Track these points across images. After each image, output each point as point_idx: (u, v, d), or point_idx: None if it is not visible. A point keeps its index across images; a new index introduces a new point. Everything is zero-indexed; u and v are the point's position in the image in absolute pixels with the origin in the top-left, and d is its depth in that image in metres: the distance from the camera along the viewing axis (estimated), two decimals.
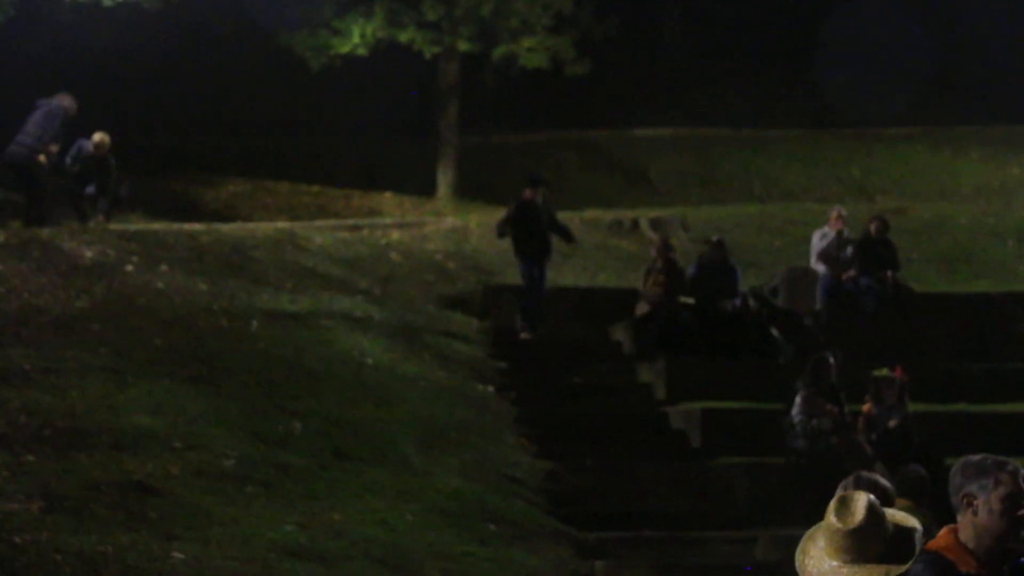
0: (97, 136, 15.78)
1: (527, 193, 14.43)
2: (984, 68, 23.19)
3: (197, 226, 16.39)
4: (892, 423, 11.94)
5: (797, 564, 3.91)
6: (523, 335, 14.27)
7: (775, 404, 12.38)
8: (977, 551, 4.60)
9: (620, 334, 14.49)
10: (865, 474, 5.17)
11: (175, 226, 16.30)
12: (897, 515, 3.92)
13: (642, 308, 14.09)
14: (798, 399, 11.99)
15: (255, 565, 9.42)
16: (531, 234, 14.19)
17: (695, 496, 11.75)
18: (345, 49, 21.10)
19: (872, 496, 3.88)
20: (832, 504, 3.85)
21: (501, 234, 14.43)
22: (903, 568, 3.80)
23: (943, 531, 4.70)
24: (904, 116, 23.67)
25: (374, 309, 14.33)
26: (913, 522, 3.92)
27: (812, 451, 11.80)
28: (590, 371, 13.72)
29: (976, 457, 4.73)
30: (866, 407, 12.15)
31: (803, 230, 16.75)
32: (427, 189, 21.55)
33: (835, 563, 3.82)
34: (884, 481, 5.21)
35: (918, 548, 3.86)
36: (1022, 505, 4.62)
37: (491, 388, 13.30)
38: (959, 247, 17.43)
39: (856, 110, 23.68)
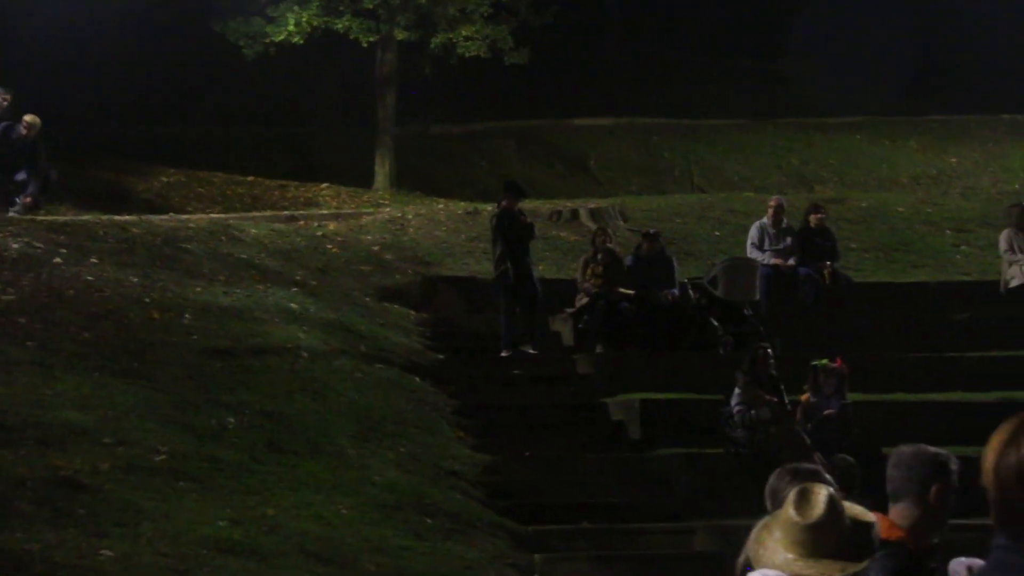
0: (28, 117, 15.69)
1: (505, 203, 13.81)
2: (921, 60, 23.34)
3: (128, 217, 16.12)
4: (829, 412, 11.93)
5: (751, 553, 3.83)
6: (529, 350, 13.54)
7: (714, 395, 12.34)
8: (914, 540, 4.59)
9: (559, 325, 14.40)
10: (804, 465, 5.11)
11: (105, 217, 16.00)
12: (855, 509, 3.86)
13: (581, 299, 14.00)
14: (737, 389, 11.95)
15: (186, 561, 9.22)
16: (518, 243, 13.58)
17: (634, 487, 11.68)
18: (280, 37, 20.86)
19: (831, 490, 3.81)
20: (791, 496, 3.78)
21: (502, 270, 13.53)
22: (860, 567, 3.74)
23: (886, 521, 4.66)
24: (844, 106, 23.79)
25: (310, 301, 14.13)
26: (870, 517, 3.86)
27: (751, 441, 11.77)
28: (529, 362, 13.61)
29: (909, 447, 4.71)
30: (805, 396, 12.14)
31: (743, 220, 16.74)
32: (364, 180, 21.36)
33: (790, 556, 3.75)
34: (822, 471, 5.15)
35: (876, 545, 3.80)
36: (953, 496, 4.63)
37: (429, 380, 13.15)
38: (897, 236, 17.50)
39: (797, 100, 23.77)
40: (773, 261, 14.78)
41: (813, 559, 3.71)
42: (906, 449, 4.74)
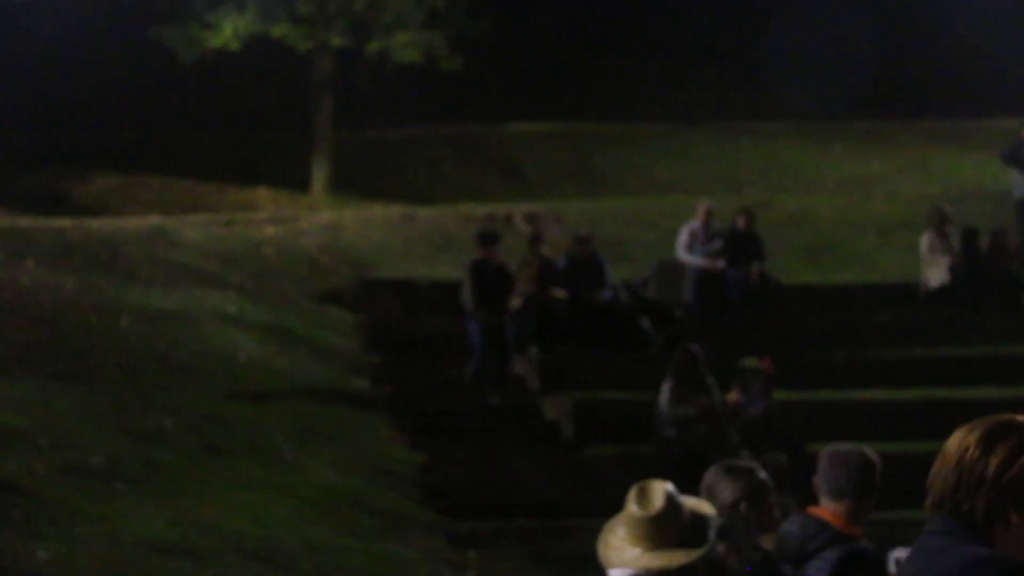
0: None
1: (481, 252, 13.57)
2: (845, 64, 23.77)
3: (65, 221, 16.13)
4: (755, 411, 12.21)
5: (600, 555, 3.99)
6: (495, 399, 13.12)
7: (646, 394, 12.58)
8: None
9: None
10: (739, 462, 5.25)
11: (42, 221, 16.01)
12: (693, 502, 4.08)
13: (515, 301, 14.21)
14: (667, 389, 12.18)
15: (123, 563, 9.32)
16: (496, 293, 13.26)
17: (568, 486, 11.89)
18: (217, 43, 20.90)
19: (670, 485, 4.00)
20: (632, 494, 3.95)
21: (473, 311, 13.24)
22: (700, 552, 3.92)
23: (827, 515, 4.87)
24: (771, 111, 24.19)
25: (247, 304, 14.25)
26: (708, 509, 4.07)
27: (681, 440, 12.01)
28: (464, 364, 13.79)
29: (843, 446, 4.94)
30: (732, 396, 12.41)
31: (673, 223, 17.01)
32: (302, 184, 21.45)
33: (637, 550, 3.92)
34: (756, 468, 5.29)
35: (712, 534, 3.97)
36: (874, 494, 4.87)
37: (365, 382, 13.32)
38: (822, 239, 17.86)
39: (726, 105, 24.13)
40: (702, 263, 15.08)
41: (658, 550, 3.89)
42: (844, 448, 4.90)
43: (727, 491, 4.73)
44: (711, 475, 4.84)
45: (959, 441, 2.86)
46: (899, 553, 7.57)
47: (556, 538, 11.11)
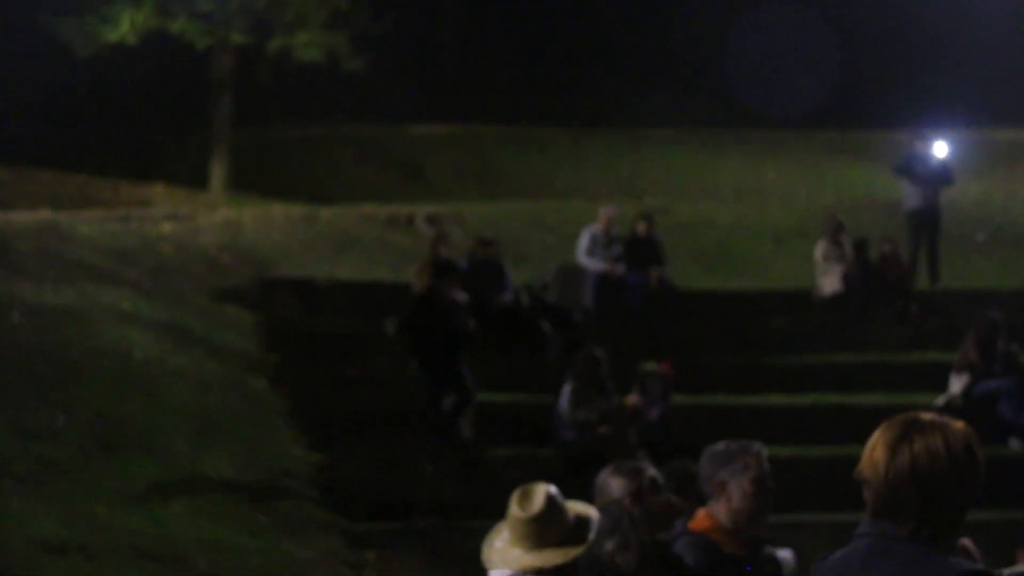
0: None
1: (440, 284, 12.59)
2: (742, 74, 24.16)
3: None
4: (653, 415, 12.34)
5: (483, 558, 4.07)
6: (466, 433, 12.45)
7: (545, 397, 12.65)
8: (734, 532, 4.83)
9: (394, 328, 14.56)
10: (628, 462, 5.29)
11: None
12: (577, 506, 4.16)
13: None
14: (567, 391, 12.27)
15: (13, 561, 9.13)
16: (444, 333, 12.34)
17: (466, 486, 11.90)
18: (114, 37, 20.57)
19: (552, 487, 4.08)
20: (514, 496, 4.05)
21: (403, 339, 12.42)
22: (580, 549, 4.01)
23: (702, 513, 4.89)
24: (671, 118, 24.47)
25: (143, 302, 14.03)
26: (591, 512, 4.17)
27: (579, 442, 12.10)
28: (364, 364, 13.75)
29: (720, 446, 4.94)
30: (630, 400, 12.53)
31: (574, 227, 17.12)
32: (200, 181, 21.20)
33: (518, 551, 4.00)
34: (645, 466, 5.35)
35: (593, 534, 4.06)
36: (768, 483, 4.88)
37: (264, 381, 13.19)
38: (719, 246, 18.11)
39: (625, 111, 24.35)
40: (603, 268, 15.20)
41: (538, 550, 3.98)
42: (717, 447, 4.88)
43: (614, 487, 4.77)
44: (603, 474, 4.89)
45: (884, 443, 2.89)
46: (783, 553, 7.70)
47: (454, 538, 11.11)
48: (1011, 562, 8.42)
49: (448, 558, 10.87)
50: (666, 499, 4.97)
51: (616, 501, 4.70)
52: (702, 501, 4.92)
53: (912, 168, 16.35)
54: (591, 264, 15.25)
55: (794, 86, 24.03)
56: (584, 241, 15.46)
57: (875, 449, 2.88)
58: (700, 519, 4.84)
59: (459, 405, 12.33)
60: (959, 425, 2.90)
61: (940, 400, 13.32)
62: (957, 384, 13.51)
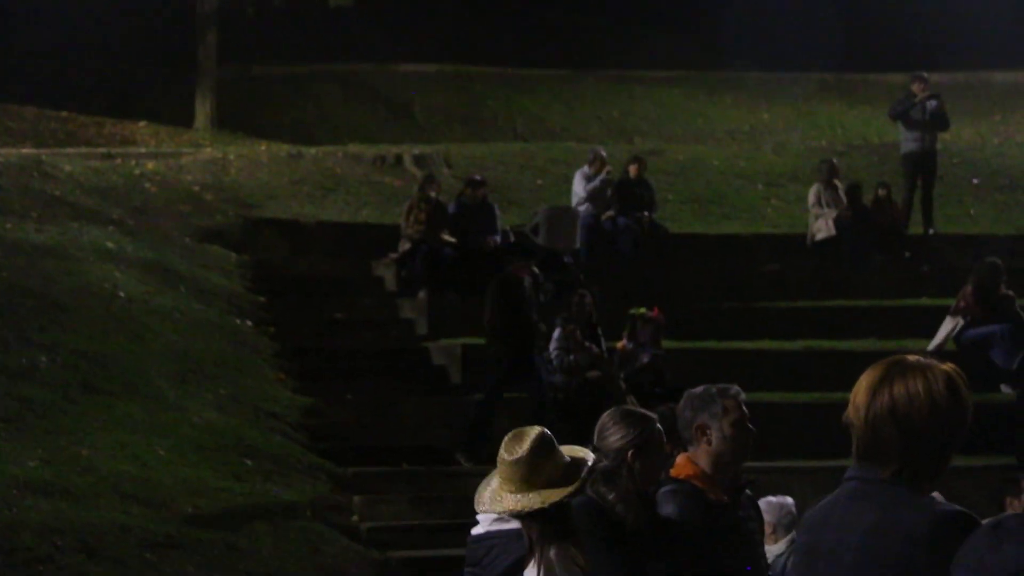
0: None
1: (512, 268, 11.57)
2: (737, 15, 23.86)
3: None
4: (643, 359, 12.23)
5: (476, 499, 4.10)
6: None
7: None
8: (717, 478, 4.72)
9: (382, 270, 14.41)
10: (636, 409, 5.10)
11: None
12: (575, 450, 4.15)
13: (404, 245, 14.03)
14: (556, 335, 12.15)
15: None
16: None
17: (454, 431, 11.79)
18: None
19: (545, 431, 4.02)
20: (506, 439, 4.02)
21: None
22: (569, 491, 3.98)
23: (682, 459, 4.78)
24: (663, 60, 24.20)
25: (127, 241, 13.83)
26: (585, 454, 4.13)
27: (569, 386, 11.99)
28: (352, 306, 13.60)
29: (699, 389, 4.82)
30: (621, 344, 12.41)
31: (564, 169, 16.96)
32: (184, 119, 20.92)
33: (508, 493, 4.00)
34: (651, 415, 5.17)
35: (581, 477, 4.02)
36: (749, 426, 4.76)
37: (249, 322, 13.04)
38: (712, 189, 17.94)
39: (617, 53, 24.08)
40: (593, 211, 15.03)
41: (521, 493, 3.96)
42: (696, 391, 4.77)
43: (617, 436, 4.60)
44: (607, 417, 4.72)
45: (865, 386, 2.84)
46: (782, 500, 7.61)
47: (441, 482, 11.02)
48: (1000, 509, 8.35)
49: (434, 502, 10.78)
50: (665, 456, 4.83)
51: (618, 451, 4.55)
52: (686, 448, 4.81)
53: (910, 113, 16.18)
54: (583, 207, 15.02)
55: (788, 28, 23.77)
56: (576, 183, 15.27)
57: (858, 393, 2.85)
58: (681, 465, 4.75)
59: (535, 398, 11.28)
60: (944, 367, 2.85)
61: (931, 345, 13.22)
62: (947, 327, 13.41)
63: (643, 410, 4.87)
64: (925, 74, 16.73)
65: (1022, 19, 22.90)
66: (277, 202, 15.93)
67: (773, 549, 7.07)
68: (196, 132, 20.64)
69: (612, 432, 4.63)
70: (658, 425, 4.70)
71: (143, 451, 10.24)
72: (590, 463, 4.06)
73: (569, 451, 4.10)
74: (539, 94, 23.55)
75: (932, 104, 16.12)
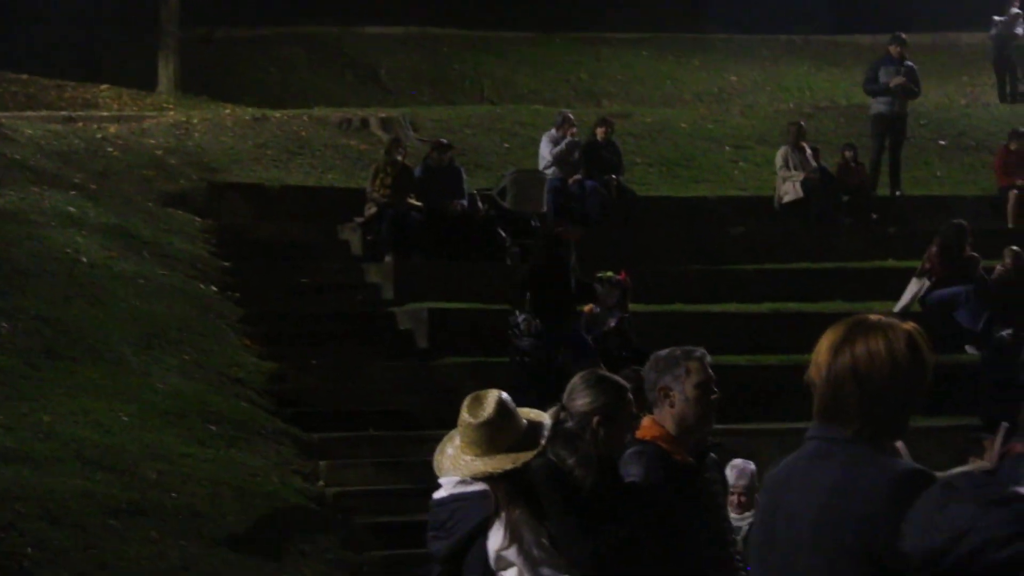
0: None
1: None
2: None
3: None
4: (610, 323, 12.20)
5: (435, 464, 4.06)
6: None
7: (501, 305, 12.47)
8: (681, 439, 4.70)
9: (348, 234, 14.31)
10: (606, 373, 5.04)
11: None
12: (530, 412, 4.14)
13: (370, 209, 13.94)
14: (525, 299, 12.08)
15: None
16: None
17: (421, 396, 11.75)
18: None
19: (503, 393, 4.00)
20: (465, 402, 4.03)
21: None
22: (532, 454, 4.00)
23: (647, 421, 4.77)
24: (630, 22, 24.06)
25: (89, 205, 13.68)
26: (543, 417, 4.12)
27: (535, 350, 11.94)
28: (317, 271, 13.51)
29: (664, 352, 4.81)
30: (588, 307, 12.37)
31: (532, 132, 16.86)
32: (147, 83, 20.67)
33: (469, 457, 4.01)
34: (620, 379, 5.11)
35: (544, 439, 4.03)
36: (713, 389, 4.74)
37: (214, 288, 12.93)
38: (680, 151, 17.88)
39: (585, 15, 23.93)
40: (560, 174, 14.96)
41: (488, 456, 3.98)
42: (661, 353, 4.77)
43: (586, 400, 4.54)
44: (578, 378, 4.64)
45: (827, 345, 2.84)
46: (743, 463, 7.61)
47: (407, 448, 10.99)
48: None
49: (400, 467, 10.76)
50: (631, 423, 4.78)
51: (585, 415, 4.49)
52: (651, 410, 4.79)
53: (880, 78, 16.24)
54: (550, 170, 14.94)
55: None
56: (543, 147, 15.19)
57: (819, 352, 2.85)
58: (647, 427, 4.74)
59: (577, 360, 10.92)
60: (905, 326, 2.85)
61: (898, 306, 13.25)
62: (912, 289, 13.45)
63: (617, 377, 4.81)
64: (903, 35, 16.73)
65: None
66: (241, 166, 15.78)
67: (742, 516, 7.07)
68: (159, 96, 20.40)
69: (581, 395, 4.58)
70: (629, 395, 4.65)
71: (106, 417, 10.16)
72: (547, 426, 4.04)
73: (524, 413, 4.09)
74: (506, 57, 23.40)
75: (906, 66, 16.21)
